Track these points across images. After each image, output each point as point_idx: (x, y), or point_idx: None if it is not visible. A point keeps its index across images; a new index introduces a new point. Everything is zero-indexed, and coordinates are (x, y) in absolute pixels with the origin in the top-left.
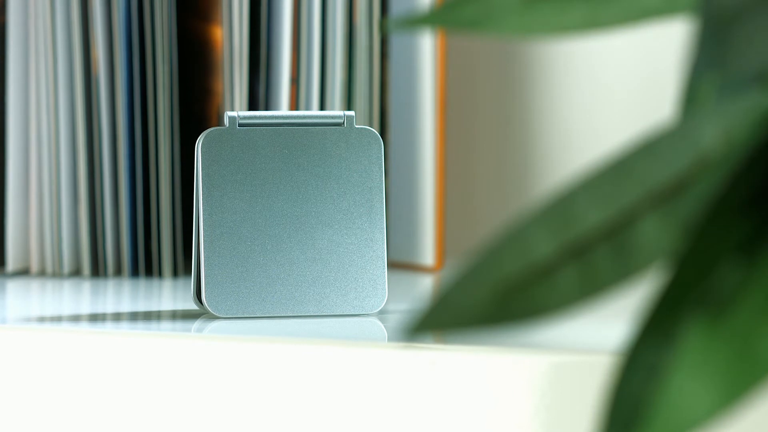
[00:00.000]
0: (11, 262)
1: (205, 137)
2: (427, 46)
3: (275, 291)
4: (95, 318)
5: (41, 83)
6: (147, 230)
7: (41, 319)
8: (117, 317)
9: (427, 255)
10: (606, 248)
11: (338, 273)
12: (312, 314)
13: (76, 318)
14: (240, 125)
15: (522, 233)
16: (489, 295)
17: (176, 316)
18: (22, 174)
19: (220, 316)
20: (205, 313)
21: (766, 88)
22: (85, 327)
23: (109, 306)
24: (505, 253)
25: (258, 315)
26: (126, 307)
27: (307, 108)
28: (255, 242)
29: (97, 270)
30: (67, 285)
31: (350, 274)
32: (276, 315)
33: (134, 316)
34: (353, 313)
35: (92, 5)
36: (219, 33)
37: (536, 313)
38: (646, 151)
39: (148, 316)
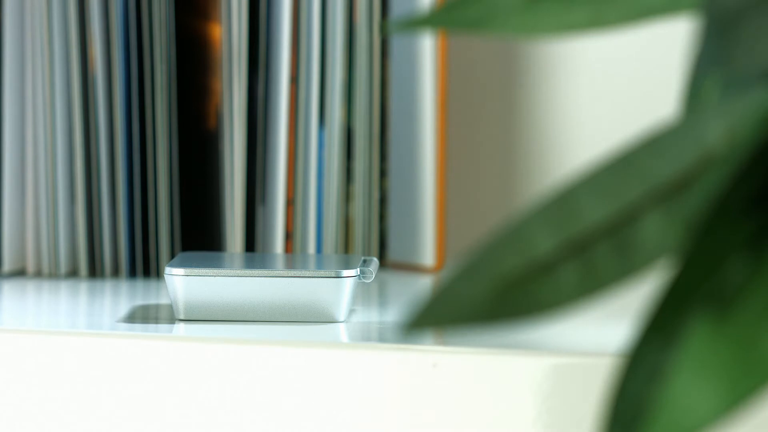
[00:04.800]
0: (7, 263)
1: None
2: (427, 45)
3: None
4: (92, 319)
5: (37, 81)
6: (145, 230)
7: (37, 321)
8: (114, 318)
9: (428, 255)
10: (608, 245)
11: None
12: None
13: (72, 319)
14: None
15: (523, 229)
16: (488, 291)
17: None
18: (18, 173)
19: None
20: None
21: None
22: (81, 328)
23: (106, 307)
24: (505, 248)
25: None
26: (123, 308)
27: (307, 107)
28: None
29: (94, 271)
30: (64, 286)
31: None
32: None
33: (132, 318)
34: None
35: (89, 2)
36: (218, 31)
37: (536, 310)
38: (650, 148)
39: (146, 318)
